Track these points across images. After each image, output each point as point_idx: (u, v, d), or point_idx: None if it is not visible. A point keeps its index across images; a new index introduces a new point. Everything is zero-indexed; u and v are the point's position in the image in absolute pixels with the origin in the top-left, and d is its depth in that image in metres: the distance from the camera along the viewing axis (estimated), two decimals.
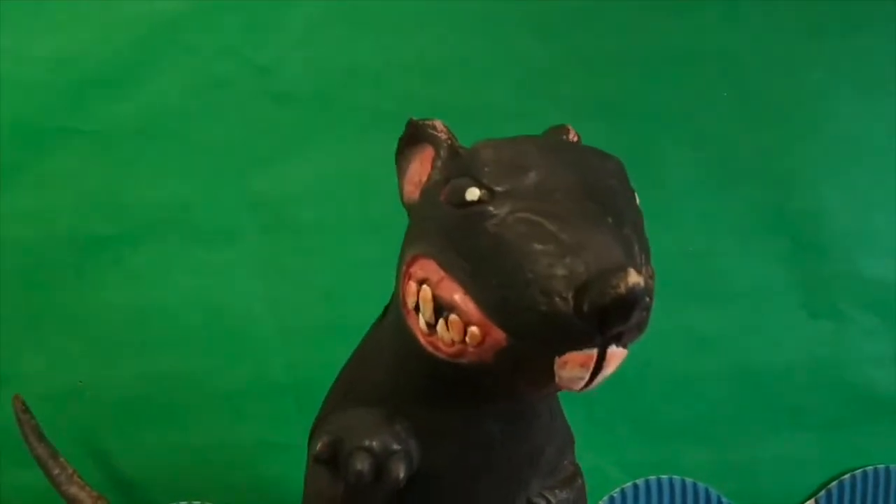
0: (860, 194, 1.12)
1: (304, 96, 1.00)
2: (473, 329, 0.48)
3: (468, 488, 0.59)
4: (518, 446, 0.59)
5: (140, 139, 0.99)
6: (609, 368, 0.47)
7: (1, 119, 0.96)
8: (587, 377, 0.47)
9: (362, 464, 0.53)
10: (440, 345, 0.50)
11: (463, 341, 0.48)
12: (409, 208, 0.57)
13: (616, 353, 0.47)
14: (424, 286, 0.51)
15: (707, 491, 1.11)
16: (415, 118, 0.58)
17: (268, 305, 1.02)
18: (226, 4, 0.99)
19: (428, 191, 0.55)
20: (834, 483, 1.14)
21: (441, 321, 0.50)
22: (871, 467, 1.15)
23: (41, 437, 0.93)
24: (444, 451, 0.57)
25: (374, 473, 0.53)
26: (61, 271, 0.99)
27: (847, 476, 1.14)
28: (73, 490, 0.92)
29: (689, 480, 1.11)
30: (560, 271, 0.44)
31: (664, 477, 1.11)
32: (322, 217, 1.01)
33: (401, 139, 0.59)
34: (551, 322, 0.44)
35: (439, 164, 0.55)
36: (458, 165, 0.52)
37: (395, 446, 0.54)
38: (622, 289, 0.42)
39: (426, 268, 0.51)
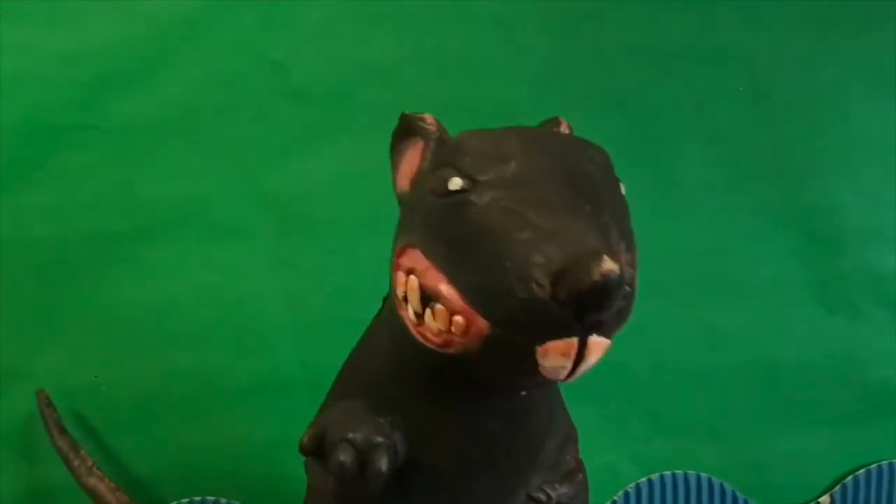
0: (874, 190, 1.12)
1: (320, 93, 1.00)
2: (458, 318, 0.48)
3: (467, 483, 0.59)
4: (517, 440, 0.59)
5: (156, 136, 0.98)
6: (591, 358, 0.47)
7: (18, 116, 0.96)
8: (569, 366, 0.46)
9: (345, 456, 0.53)
10: (428, 334, 0.51)
11: (449, 331, 0.49)
12: (401, 199, 0.58)
13: (598, 343, 0.46)
14: (412, 276, 0.51)
15: (722, 486, 1.11)
16: (407, 112, 0.58)
17: (282, 301, 1.02)
18: (241, 1, 0.98)
19: (417, 182, 0.55)
20: (849, 478, 1.14)
21: (428, 310, 0.50)
22: (885, 462, 1.14)
23: (63, 430, 0.96)
24: (443, 446, 0.57)
25: (357, 465, 0.53)
26: (78, 267, 0.99)
27: (862, 471, 1.14)
28: (93, 481, 0.94)
29: (703, 475, 1.11)
30: (537, 259, 0.44)
31: (679, 472, 1.10)
32: (336, 213, 1.01)
33: (394, 133, 0.59)
34: (529, 309, 0.44)
35: (428, 155, 0.55)
36: (443, 156, 0.53)
37: (378, 438, 0.54)
38: (597, 275, 0.42)
39: (413, 258, 0.51)
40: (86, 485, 0.94)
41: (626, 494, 1.10)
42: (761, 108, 1.07)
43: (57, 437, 0.95)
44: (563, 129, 0.62)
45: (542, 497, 0.60)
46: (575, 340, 0.45)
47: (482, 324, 0.47)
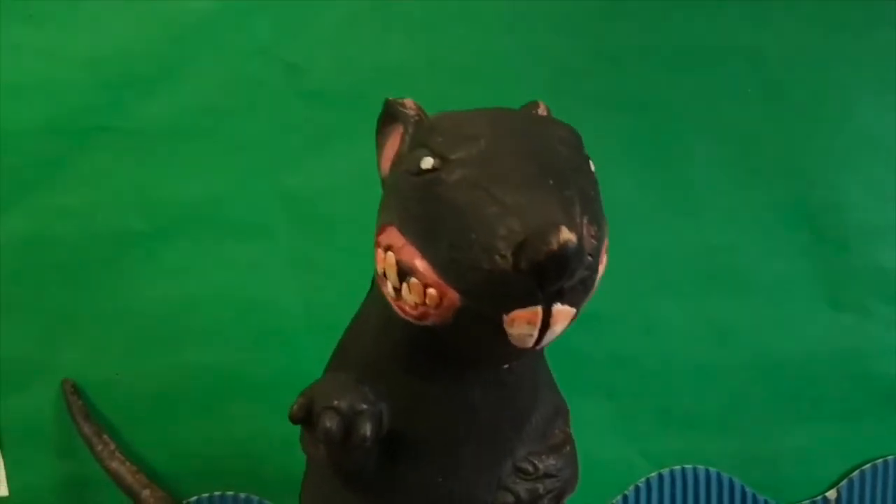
0: (881, 188, 1.10)
1: (334, 94, 0.99)
2: (431, 291, 0.49)
3: (452, 453, 0.59)
4: (501, 412, 0.59)
5: (174, 137, 0.98)
6: (557, 326, 0.48)
7: (39, 118, 0.96)
8: (535, 334, 0.48)
9: (331, 422, 0.54)
10: (406, 308, 0.52)
11: (424, 303, 0.50)
12: (383, 183, 0.59)
13: (562, 311, 0.47)
14: (389, 252, 0.52)
15: (731, 481, 1.10)
16: (390, 98, 0.59)
17: (299, 299, 1.01)
18: (258, 4, 0.97)
19: (396, 164, 0.57)
20: (856, 473, 1.12)
21: (405, 285, 0.51)
22: (892, 457, 1.13)
23: (87, 417, 0.99)
24: (428, 418, 0.58)
25: (343, 431, 0.54)
26: (99, 266, 0.99)
27: (869, 466, 1.13)
28: (115, 465, 0.98)
29: (712, 470, 1.10)
30: (501, 231, 0.45)
31: (688, 467, 1.10)
32: (351, 212, 1.00)
33: (378, 118, 0.61)
34: (493, 279, 0.46)
35: (406, 138, 0.57)
36: (419, 137, 0.54)
37: (362, 405, 0.55)
38: (554, 245, 0.43)
39: (391, 235, 0.53)
40: (108, 468, 0.98)
41: (637, 489, 1.09)
42: (770, 108, 1.06)
43: (82, 424, 0.98)
44: (541, 111, 0.62)
45: (529, 468, 0.61)
46: (539, 309, 0.47)
47: (453, 295, 0.48)
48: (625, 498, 1.09)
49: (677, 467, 1.10)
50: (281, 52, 0.99)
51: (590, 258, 0.48)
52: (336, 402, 0.55)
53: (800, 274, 1.10)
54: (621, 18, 1.03)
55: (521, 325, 0.47)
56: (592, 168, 0.54)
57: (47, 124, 0.96)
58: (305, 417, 0.56)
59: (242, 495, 1.02)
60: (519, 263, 0.44)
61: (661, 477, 1.10)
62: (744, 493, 1.11)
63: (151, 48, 0.97)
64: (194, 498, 1.02)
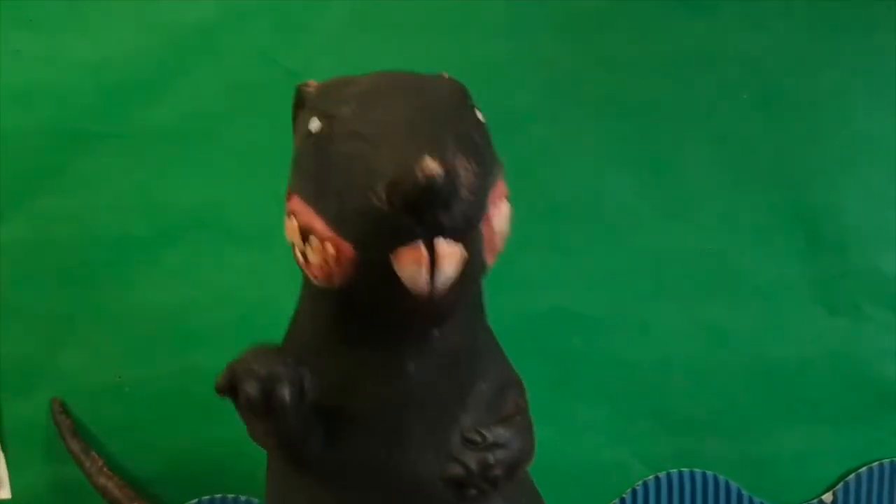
0: (877, 192, 1.10)
1: None
2: (328, 246, 0.50)
3: (394, 426, 0.59)
4: (439, 381, 0.59)
5: (175, 142, 0.98)
6: (446, 266, 0.48)
7: (40, 123, 0.96)
8: (425, 274, 0.48)
9: (250, 388, 0.54)
10: (315, 271, 0.52)
11: (326, 262, 0.50)
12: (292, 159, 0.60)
13: (448, 249, 0.48)
14: (292, 218, 0.54)
15: (727, 483, 1.10)
16: (299, 84, 0.61)
17: None
18: (257, 11, 0.98)
19: (298, 137, 0.58)
20: (852, 476, 1.12)
21: (308, 247, 0.52)
22: (888, 460, 1.13)
23: (75, 434, 0.98)
24: (365, 392, 0.58)
25: (263, 397, 0.54)
26: (100, 270, 0.99)
27: (864, 469, 1.13)
28: (103, 480, 0.98)
29: (709, 473, 1.10)
30: (374, 172, 0.47)
31: (685, 470, 1.09)
32: None
33: (293, 106, 0.62)
34: (371, 219, 0.47)
35: (306, 112, 0.57)
36: (311, 105, 0.56)
37: (280, 369, 0.55)
38: (420, 176, 0.44)
39: (293, 202, 0.54)
40: (97, 484, 0.98)
41: (634, 492, 1.09)
42: (765, 112, 1.06)
43: (70, 441, 0.98)
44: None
45: (477, 438, 0.59)
46: (420, 244, 0.47)
47: (347, 247, 0.49)
48: (622, 501, 1.09)
49: (674, 470, 1.10)
50: (281, 58, 0.99)
51: (467, 192, 0.48)
52: (255, 367, 0.55)
53: (796, 277, 1.10)
54: (618, 24, 1.03)
55: (408, 264, 0.47)
56: (480, 117, 0.56)
57: (49, 129, 0.96)
58: (229, 388, 0.56)
59: (243, 498, 1.02)
60: (392, 200, 0.46)
61: (658, 480, 1.09)
62: (740, 496, 1.11)
63: (152, 53, 0.97)
64: (195, 501, 1.02)
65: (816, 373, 1.11)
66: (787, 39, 1.06)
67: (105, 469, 0.98)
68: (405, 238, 0.47)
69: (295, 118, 0.62)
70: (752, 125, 1.07)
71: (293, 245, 0.55)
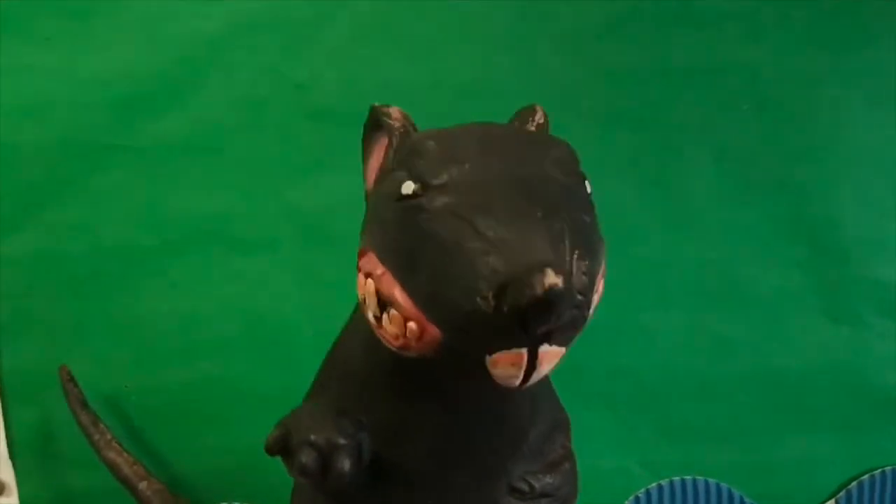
0: (876, 202, 1.11)
1: (340, 112, 1.00)
2: (412, 325, 0.46)
3: (444, 475, 0.57)
4: (494, 433, 0.57)
5: (183, 154, 0.99)
6: (544, 368, 0.45)
7: (52, 137, 0.97)
8: (521, 375, 0.44)
9: (307, 458, 0.52)
10: (388, 337, 0.49)
11: (405, 335, 0.47)
12: (366, 196, 0.56)
13: (550, 353, 0.44)
14: (369, 280, 0.49)
15: (730, 491, 1.10)
16: (376, 104, 0.56)
17: (305, 312, 1.02)
18: (265, 26, 0.99)
19: (378, 180, 0.54)
20: (853, 483, 1.12)
21: (385, 315, 0.48)
22: (890, 468, 1.13)
23: (84, 405, 0.96)
24: (416, 441, 0.56)
25: (320, 467, 0.52)
26: (109, 280, 1.00)
27: (866, 476, 1.13)
28: (111, 455, 0.95)
29: (712, 481, 1.10)
30: (482, 270, 0.42)
31: (688, 478, 1.10)
32: (356, 228, 1.01)
33: (365, 125, 0.57)
34: (474, 322, 0.42)
35: (391, 153, 0.53)
36: (401, 156, 0.50)
37: (340, 440, 0.53)
38: (538, 290, 0.40)
39: (370, 261, 0.50)
40: (105, 458, 0.95)
41: (637, 499, 1.09)
42: (766, 124, 1.07)
43: (79, 412, 0.96)
44: (538, 117, 0.58)
45: (525, 487, 0.58)
46: (524, 351, 0.43)
47: (435, 331, 0.45)
48: None
49: (677, 478, 1.10)
50: (287, 72, 1.00)
51: (580, 297, 0.43)
52: (313, 437, 0.52)
53: (797, 287, 1.10)
54: (620, 37, 1.04)
55: (504, 367, 0.44)
56: (588, 189, 0.50)
57: (59, 142, 0.97)
58: (282, 450, 0.54)
59: None
60: (501, 306, 0.41)
61: (660, 488, 1.10)
62: (743, 503, 1.11)
63: (161, 68, 0.98)
64: None
65: (818, 381, 1.11)
66: (787, 53, 1.07)
67: (114, 443, 0.95)
68: (509, 343, 0.43)
69: (367, 142, 0.57)
70: (753, 137, 1.07)
71: (364, 303, 0.51)
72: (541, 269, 0.40)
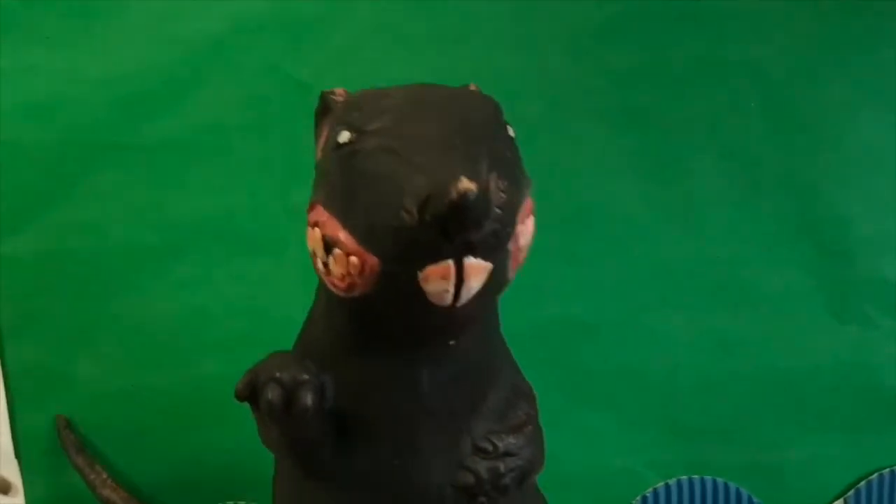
0: (883, 202, 1.10)
1: None
2: (353, 259, 0.49)
3: (406, 434, 0.59)
4: (453, 391, 0.59)
5: (186, 154, 0.99)
6: (472, 281, 0.48)
7: (54, 136, 0.97)
8: (451, 289, 0.47)
9: (273, 394, 0.54)
10: (335, 280, 0.52)
11: (349, 273, 0.50)
12: (316, 167, 0.59)
13: (475, 265, 0.47)
14: (315, 229, 0.53)
15: (738, 491, 1.10)
16: (325, 90, 0.60)
17: (308, 312, 1.02)
18: (269, 25, 0.99)
19: (323, 146, 0.57)
20: (862, 483, 1.12)
21: (331, 258, 0.51)
22: None
23: (80, 450, 0.99)
24: (378, 400, 0.58)
25: (285, 403, 0.54)
26: (113, 280, 0.99)
27: (875, 476, 1.12)
28: (107, 492, 0.99)
29: (719, 480, 1.09)
30: (407, 188, 0.45)
31: (695, 477, 1.09)
32: None
33: (315, 111, 0.61)
34: (402, 236, 0.46)
35: (334, 122, 0.56)
36: (339, 116, 0.55)
37: (304, 376, 0.55)
38: (454, 195, 0.43)
39: (317, 212, 0.53)
40: (101, 496, 0.99)
41: (644, 499, 1.09)
42: (771, 123, 1.06)
43: (75, 457, 0.99)
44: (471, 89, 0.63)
45: (488, 446, 0.60)
46: (450, 262, 0.47)
47: (373, 261, 0.48)
48: None
49: (684, 478, 1.10)
50: (291, 71, 1.00)
51: (499, 211, 0.47)
52: (278, 374, 0.55)
53: (803, 286, 1.10)
54: (624, 36, 1.04)
55: (435, 280, 0.47)
56: (511, 133, 0.55)
57: (63, 142, 0.97)
58: (251, 394, 0.56)
59: None
60: (424, 218, 0.45)
61: (668, 487, 1.09)
62: (750, 503, 1.11)
63: (164, 68, 0.98)
64: None
65: (825, 381, 1.11)
66: (793, 51, 1.06)
67: (109, 481, 0.99)
68: (435, 255, 0.47)
69: (318, 125, 0.61)
70: (759, 136, 1.07)
71: (314, 255, 0.54)
72: (456, 178, 0.44)
